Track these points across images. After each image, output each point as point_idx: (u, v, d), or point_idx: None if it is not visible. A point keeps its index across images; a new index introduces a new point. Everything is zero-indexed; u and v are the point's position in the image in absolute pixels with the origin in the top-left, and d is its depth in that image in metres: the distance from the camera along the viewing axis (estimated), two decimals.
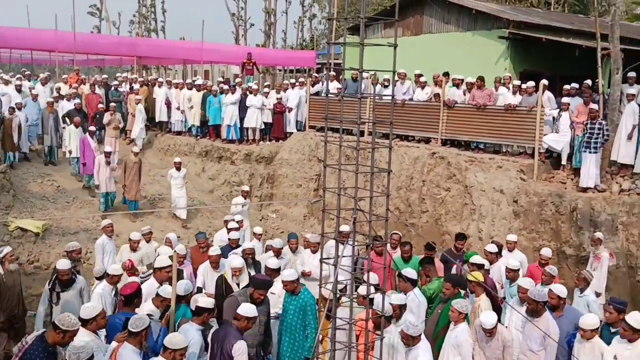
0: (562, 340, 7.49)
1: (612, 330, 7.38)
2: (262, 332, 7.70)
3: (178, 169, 16.14)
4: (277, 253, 10.41)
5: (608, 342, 7.15)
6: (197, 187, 18.45)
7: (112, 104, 18.77)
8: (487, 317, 7.29)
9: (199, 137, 20.40)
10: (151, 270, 9.42)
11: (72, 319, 6.02)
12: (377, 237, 8.24)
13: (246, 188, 15.52)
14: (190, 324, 7.09)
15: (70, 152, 17.06)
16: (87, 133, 16.44)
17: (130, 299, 7.30)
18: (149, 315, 7.08)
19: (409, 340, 6.92)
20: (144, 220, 15.41)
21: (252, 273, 9.31)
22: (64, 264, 8.87)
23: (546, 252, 10.44)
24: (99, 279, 9.09)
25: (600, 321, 7.51)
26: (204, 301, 7.11)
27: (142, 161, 16.60)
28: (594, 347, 7.06)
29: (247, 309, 6.75)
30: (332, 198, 5.88)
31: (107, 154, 15.36)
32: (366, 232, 5.65)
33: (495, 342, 7.30)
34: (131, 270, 9.71)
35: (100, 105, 18.78)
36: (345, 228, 9.98)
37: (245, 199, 14.84)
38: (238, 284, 8.75)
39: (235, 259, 9.09)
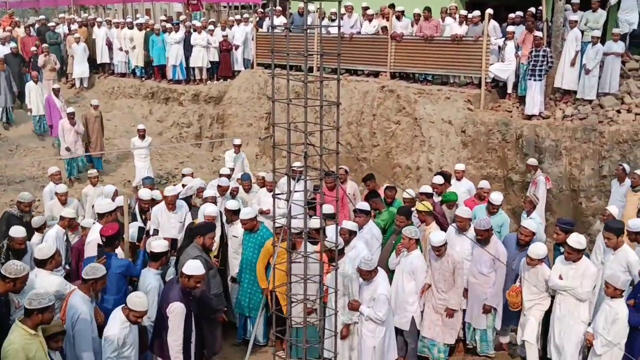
0: (517, 267, 7.84)
1: (562, 250, 7.58)
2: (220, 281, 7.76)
3: (142, 136, 14.22)
4: (224, 191, 10.34)
5: None
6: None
7: (45, 45, 17.97)
8: (436, 235, 7.60)
9: (143, 79, 19.88)
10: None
11: (18, 266, 5.89)
12: (329, 173, 8.33)
13: (238, 142, 13.78)
14: (148, 269, 7.08)
15: (30, 110, 16.22)
16: (52, 92, 15.41)
17: (111, 240, 7.14)
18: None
19: (367, 275, 7.13)
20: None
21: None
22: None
23: (484, 184, 10.45)
24: (38, 230, 8.78)
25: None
26: (158, 245, 7.08)
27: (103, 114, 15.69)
28: (537, 272, 7.41)
29: (191, 267, 6.47)
30: (283, 136, 5.87)
31: (71, 115, 14.25)
32: (318, 166, 5.69)
33: (445, 263, 7.59)
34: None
35: (33, 49, 17.92)
36: (297, 164, 10.02)
37: (237, 153, 13.56)
38: None
39: (208, 207, 8.68)
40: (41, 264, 6.54)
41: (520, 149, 13.10)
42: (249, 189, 11.10)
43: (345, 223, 7.83)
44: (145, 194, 9.58)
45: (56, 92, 15.37)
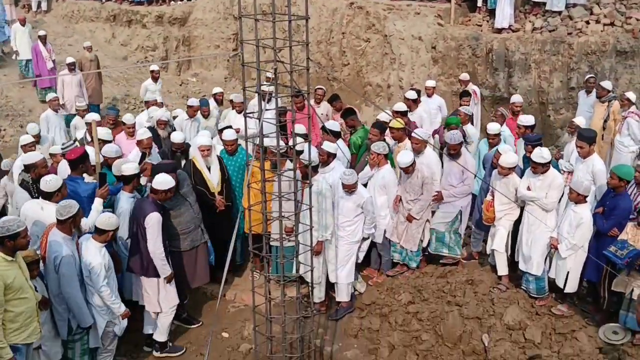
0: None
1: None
2: (198, 213, 7.60)
3: (155, 79, 12.91)
4: (195, 111, 10.40)
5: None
6: (108, 54, 17.59)
7: None
8: (402, 156, 7.69)
9: (104, 1, 19.14)
10: (71, 142, 9.09)
11: None
12: (299, 91, 8.27)
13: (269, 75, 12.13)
14: (122, 192, 7.08)
15: (17, 53, 15.30)
16: (39, 39, 14.38)
17: (75, 163, 7.02)
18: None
19: (351, 188, 7.26)
20: None
21: None
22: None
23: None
24: None
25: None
26: (127, 168, 7.03)
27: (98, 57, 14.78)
28: (508, 182, 7.53)
29: (161, 180, 6.71)
30: (252, 57, 5.76)
31: (71, 66, 13.28)
32: (288, 83, 5.63)
33: (415, 178, 7.74)
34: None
35: None
36: (266, 84, 9.84)
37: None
38: (209, 168, 7.96)
39: (200, 137, 8.03)
40: (47, 196, 6.41)
41: (491, 63, 13.09)
42: (207, 115, 10.93)
43: (325, 145, 7.82)
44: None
45: (43, 39, 14.43)
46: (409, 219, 7.87)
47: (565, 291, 7.19)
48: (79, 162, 7.05)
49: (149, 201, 6.75)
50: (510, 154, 7.68)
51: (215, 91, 11.69)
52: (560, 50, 12.42)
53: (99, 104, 14.31)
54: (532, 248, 7.34)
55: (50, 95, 11.38)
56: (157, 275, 6.85)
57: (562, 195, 7.43)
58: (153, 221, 6.58)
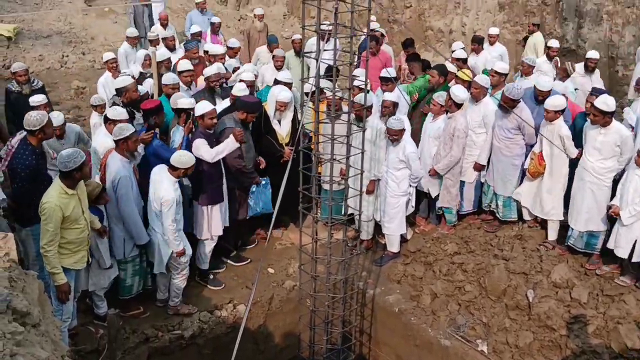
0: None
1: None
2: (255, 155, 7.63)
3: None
4: (235, 53, 10.23)
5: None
6: None
7: None
8: (459, 89, 7.50)
9: None
10: (130, 69, 9.10)
11: (34, 116, 5.88)
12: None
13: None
14: (177, 127, 7.15)
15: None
16: (210, 26, 12.11)
17: (148, 114, 6.95)
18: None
19: (396, 134, 7.05)
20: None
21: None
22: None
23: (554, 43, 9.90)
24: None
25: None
26: (183, 102, 7.09)
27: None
28: (554, 129, 7.07)
29: (199, 107, 6.77)
30: None
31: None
32: (348, 24, 5.52)
33: (450, 126, 7.49)
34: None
35: None
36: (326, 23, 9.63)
37: None
38: (279, 121, 7.71)
39: (282, 91, 7.63)
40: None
41: (560, 12, 12.53)
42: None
43: (387, 95, 7.60)
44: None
45: (216, 27, 12.07)
46: (432, 173, 7.72)
47: (633, 260, 6.66)
48: (151, 114, 6.92)
49: (198, 132, 6.84)
50: (557, 96, 7.21)
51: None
52: (635, 2, 11.76)
53: None
54: (592, 207, 6.91)
55: (132, 32, 11.08)
56: (209, 203, 6.93)
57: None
58: (196, 145, 6.64)
